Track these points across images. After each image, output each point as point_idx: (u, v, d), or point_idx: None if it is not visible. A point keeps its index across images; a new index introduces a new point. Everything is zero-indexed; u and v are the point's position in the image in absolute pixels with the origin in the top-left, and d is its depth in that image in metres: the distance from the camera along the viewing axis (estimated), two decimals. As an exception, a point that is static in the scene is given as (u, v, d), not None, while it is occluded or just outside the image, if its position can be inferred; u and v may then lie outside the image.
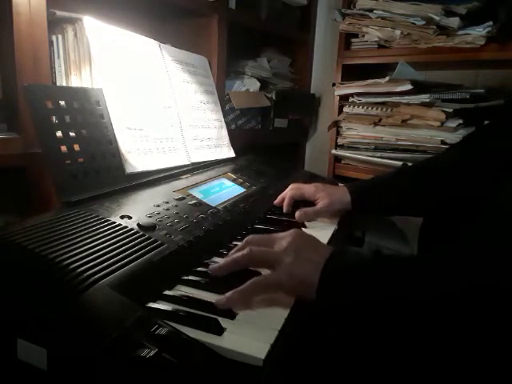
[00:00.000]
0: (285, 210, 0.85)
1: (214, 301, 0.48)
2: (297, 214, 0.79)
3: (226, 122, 1.16)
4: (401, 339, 0.48)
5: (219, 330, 0.43)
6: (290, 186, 0.89)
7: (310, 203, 0.85)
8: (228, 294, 0.48)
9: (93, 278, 0.44)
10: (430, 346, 0.46)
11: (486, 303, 0.43)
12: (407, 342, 0.48)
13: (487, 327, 0.43)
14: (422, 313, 0.45)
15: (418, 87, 1.22)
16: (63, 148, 0.67)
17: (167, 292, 0.50)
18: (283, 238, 0.54)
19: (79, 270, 0.45)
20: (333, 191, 0.84)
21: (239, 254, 0.53)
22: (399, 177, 0.86)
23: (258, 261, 0.54)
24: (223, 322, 0.44)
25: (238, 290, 0.48)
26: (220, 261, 0.56)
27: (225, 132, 1.14)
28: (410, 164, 0.90)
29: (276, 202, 0.88)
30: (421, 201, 0.82)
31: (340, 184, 1.01)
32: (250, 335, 0.43)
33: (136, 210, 0.63)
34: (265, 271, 0.54)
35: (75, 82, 0.82)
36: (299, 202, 0.86)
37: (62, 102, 0.70)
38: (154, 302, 0.48)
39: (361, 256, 0.51)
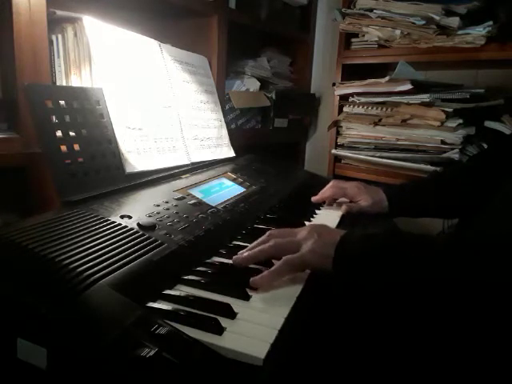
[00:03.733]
0: (314, 199, 0.92)
1: (214, 299, 0.48)
2: (343, 207, 0.89)
3: (225, 122, 1.16)
4: (404, 323, 0.50)
5: (219, 330, 0.43)
6: (332, 184, 0.94)
7: None
8: (261, 274, 0.53)
9: (93, 278, 0.44)
10: (432, 335, 0.48)
11: (486, 290, 0.45)
12: (410, 329, 0.50)
13: (488, 312, 0.45)
14: (427, 292, 0.48)
15: (418, 87, 1.22)
16: (63, 148, 0.67)
17: (167, 291, 0.50)
18: (303, 229, 0.60)
19: (79, 269, 0.45)
20: (374, 195, 0.91)
21: (266, 245, 0.59)
22: (435, 180, 0.92)
23: (283, 250, 0.58)
24: (223, 321, 0.44)
25: (272, 270, 0.54)
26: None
27: (225, 132, 1.14)
28: (438, 169, 0.95)
29: (315, 199, 0.93)
30: (459, 203, 0.86)
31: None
32: (250, 335, 0.43)
33: (136, 210, 0.63)
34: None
35: (75, 81, 0.82)
36: None
37: (62, 102, 0.70)
38: (154, 301, 0.48)
39: (373, 234, 0.57)
